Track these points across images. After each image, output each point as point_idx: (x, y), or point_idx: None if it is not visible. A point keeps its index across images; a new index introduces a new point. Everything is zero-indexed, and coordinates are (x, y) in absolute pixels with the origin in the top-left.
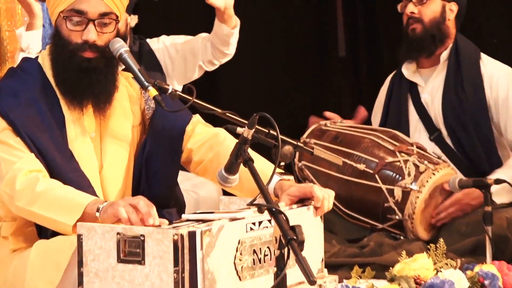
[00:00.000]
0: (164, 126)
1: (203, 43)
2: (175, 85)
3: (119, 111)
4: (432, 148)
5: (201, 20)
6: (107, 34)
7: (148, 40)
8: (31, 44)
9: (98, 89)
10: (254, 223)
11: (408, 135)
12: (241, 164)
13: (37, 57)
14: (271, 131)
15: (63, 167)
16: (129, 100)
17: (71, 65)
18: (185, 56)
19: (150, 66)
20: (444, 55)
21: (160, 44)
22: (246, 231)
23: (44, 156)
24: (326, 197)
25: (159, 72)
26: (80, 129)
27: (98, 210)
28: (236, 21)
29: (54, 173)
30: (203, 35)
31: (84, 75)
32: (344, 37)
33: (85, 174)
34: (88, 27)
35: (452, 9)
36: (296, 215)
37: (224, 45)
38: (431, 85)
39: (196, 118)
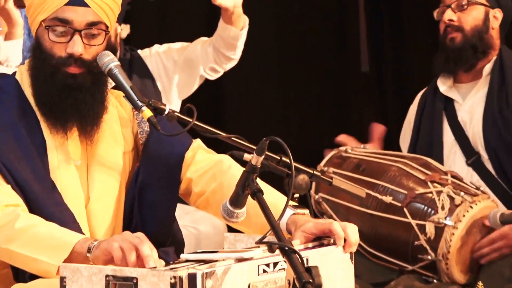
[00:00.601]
0: (160, 153)
1: (204, 48)
2: (174, 99)
3: (109, 135)
4: (469, 174)
5: (199, 27)
6: (95, 46)
7: (139, 51)
8: (11, 56)
9: (84, 110)
10: (268, 265)
11: (441, 158)
12: (249, 196)
13: (14, 73)
14: (284, 158)
15: (43, 201)
16: (119, 122)
17: (54, 82)
18: (184, 66)
19: (143, 81)
20: (487, 68)
21: (153, 55)
22: (258, 274)
23: (22, 187)
24: (350, 231)
25: (153, 88)
26: (63, 156)
27: (89, 249)
28: (244, 21)
29: (33, 207)
30: (203, 39)
31: (68, 94)
32: (367, 50)
33: (69, 208)
34: (74, 39)
35: (497, 17)
36: (318, 255)
37: (229, 49)
38: (470, 102)
39: (197, 143)
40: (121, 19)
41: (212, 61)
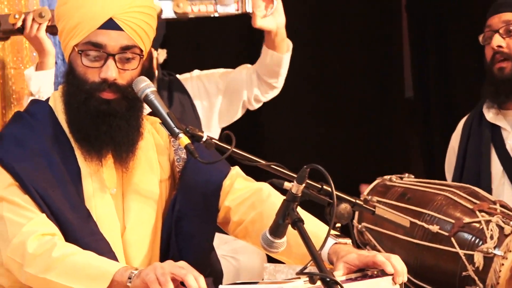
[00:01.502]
0: (197, 181)
1: (248, 76)
2: (214, 126)
3: (145, 162)
4: None
5: (238, 51)
6: (129, 71)
7: (179, 76)
8: (43, 87)
9: (119, 136)
10: None
11: (490, 189)
12: (289, 226)
13: (47, 99)
14: (325, 187)
15: (78, 230)
16: (155, 149)
17: (87, 109)
18: (226, 92)
19: (182, 107)
20: None
21: (194, 81)
22: None
23: (57, 216)
24: (394, 261)
25: (193, 114)
26: (98, 184)
27: (129, 278)
28: (288, 45)
29: (68, 237)
30: (247, 66)
31: (103, 120)
32: (411, 75)
33: (105, 237)
34: (107, 63)
35: None
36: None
37: (272, 76)
38: None
39: (235, 170)
40: (158, 44)
41: (256, 89)
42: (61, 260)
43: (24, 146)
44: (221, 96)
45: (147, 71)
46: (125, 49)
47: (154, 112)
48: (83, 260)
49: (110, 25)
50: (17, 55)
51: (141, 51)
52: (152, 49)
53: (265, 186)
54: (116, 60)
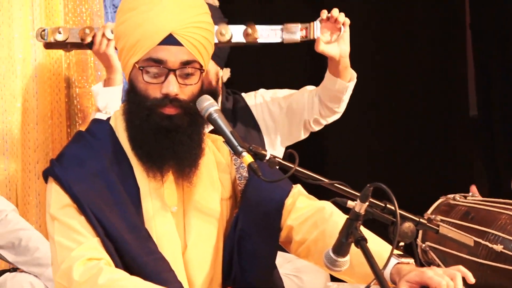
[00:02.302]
0: (260, 199)
1: (310, 98)
2: (278, 146)
3: (206, 180)
4: None
5: (299, 72)
6: (190, 86)
7: (243, 94)
8: (110, 103)
9: (181, 151)
10: None
11: None
12: (352, 244)
13: (109, 119)
14: (388, 205)
15: (136, 250)
16: (217, 167)
17: (149, 125)
18: (289, 113)
19: (246, 125)
20: None
21: (258, 100)
22: None
23: (113, 238)
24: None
25: (256, 133)
26: (159, 203)
27: None
28: (351, 74)
29: (125, 258)
30: (309, 88)
31: (165, 136)
32: (475, 94)
33: (165, 255)
34: (168, 78)
35: None
36: None
37: (334, 102)
38: None
39: (297, 188)
40: (224, 62)
41: (317, 112)
42: (107, 286)
43: (83, 166)
44: (283, 117)
45: (212, 89)
46: (185, 64)
47: (218, 131)
48: (130, 285)
49: (170, 40)
50: (82, 74)
51: (201, 66)
52: (218, 68)
53: (327, 205)
54: (177, 75)
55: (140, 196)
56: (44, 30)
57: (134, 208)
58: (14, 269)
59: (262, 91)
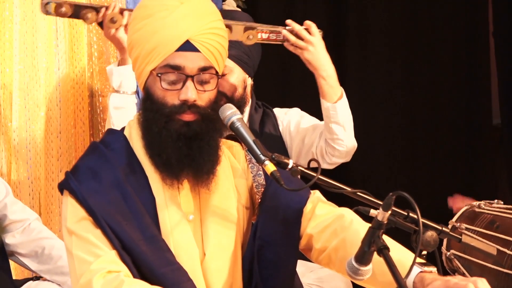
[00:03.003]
0: (278, 208)
1: (320, 131)
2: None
3: (222, 187)
4: None
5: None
6: (208, 92)
7: (276, 110)
8: (124, 81)
9: (200, 158)
10: None
11: None
12: (375, 253)
13: (123, 129)
14: (411, 214)
15: (154, 262)
16: (232, 174)
17: (168, 132)
18: (301, 141)
19: (272, 139)
20: None
21: (286, 117)
22: None
23: (130, 250)
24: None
25: (281, 147)
26: (175, 212)
27: None
28: (340, 92)
29: (142, 269)
30: (321, 125)
31: (184, 143)
32: (498, 102)
33: (183, 265)
34: (187, 85)
35: None
36: None
37: (332, 137)
38: None
39: (315, 196)
40: (254, 72)
41: (321, 148)
42: None
43: (98, 179)
44: (298, 143)
45: (239, 96)
46: (202, 70)
47: (240, 139)
48: None
49: (187, 47)
50: (105, 83)
51: (217, 72)
52: (246, 75)
53: (346, 212)
54: (194, 82)
55: (156, 207)
56: (48, 3)
57: (151, 219)
58: (37, 278)
59: (295, 110)
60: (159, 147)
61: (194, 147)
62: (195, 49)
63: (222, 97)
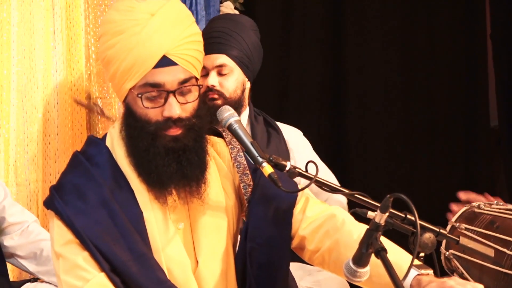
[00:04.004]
0: (268, 210)
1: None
2: None
3: (211, 190)
4: None
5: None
6: (190, 103)
7: (281, 126)
8: None
9: (190, 172)
10: None
11: None
12: (372, 255)
13: (104, 138)
14: (409, 216)
15: (144, 282)
16: (219, 174)
17: (156, 148)
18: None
19: (279, 148)
20: None
21: (291, 138)
22: None
23: (120, 272)
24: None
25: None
26: (164, 224)
27: None
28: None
29: None
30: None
31: (173, 158)
32: (496, 104)
33: (176, 278)
34: (169, 101)
35: None
36: None
37: None
38: None
39: (304, 196)
40: (253, 76)
41: None
42: None
43: (84, 198)
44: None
45: (237, 97)
46: (183, 83)
47: (238, 141)
48: None
49: (164, 62)
50: (102, 85)
51: (197, 79)
52: (245, 78)
53: (337, 211)
54: (176, 96)
55: (144, 221)
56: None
57: (139, 235)
58: (35, 279)
59: (300, 135)
60: (148, 165)
61: (183, 160)
62: (173, 63)
63: (206, 103)
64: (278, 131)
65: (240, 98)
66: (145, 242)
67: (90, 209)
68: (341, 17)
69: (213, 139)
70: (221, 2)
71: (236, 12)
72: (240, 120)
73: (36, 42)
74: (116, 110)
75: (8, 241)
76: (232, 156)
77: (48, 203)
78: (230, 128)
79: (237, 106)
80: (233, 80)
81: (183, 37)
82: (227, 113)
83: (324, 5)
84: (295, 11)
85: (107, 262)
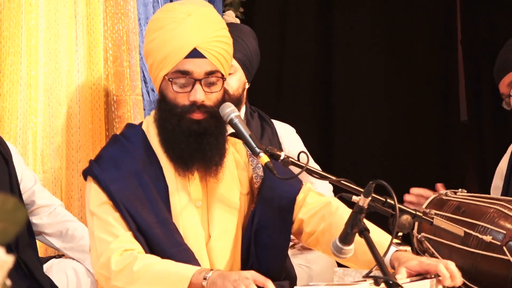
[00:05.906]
0: (274, 196)
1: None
2: None
3: (227, 177)
4: None
5: (313, 90)
6: (215, 93)
7: (274, 122)
8: None
9: (209, 151)
10: None
11: None
12: (357, 234)
13: (141, 124)
14: (388, 200)
15: (165, 243)
16: (236, 166)
17: (181, 129)
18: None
19: (271, 142)
20: None
21: (284, 133)
22: None
23: (145, 231)
24: (454, 273)
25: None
26: (185, 199)
27: (205, 278)
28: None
29: (155, 250)
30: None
31: (194, 139)
32: (466, 99)
33: (190, 246)
34: (195, 87)
35: None
36: None
37: None
38: None
39: (307, 186)
40: (251, 78)
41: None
42: (142, 272)
43: (119, 167)
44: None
45: (238, 96)
46: (209, 74)
47: (238, 133)
48: (162, 268)
49: (195, 54)
50: (119, 84)
51: (222, 75)
52: (246, 79)
53: (333, 200)
54: (202, 84)
55: (169, 194)
56: None
57: (164, 204)
58: (59, 256)
59: (293, 133)
60: (173, 142)
61: (204, 142)
62: (201, 56)
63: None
64: (271, 126)
65: (240, 96)
66: (167, 212)
67: (123, 177)
68: (331, 29)
69: (233, 139)
70: (224, 11)
71: (237, 20)
72: (240, 115)
73: (61, 46)
74: (131, 106)
75: (37, 220)
76: (248, 153)
77: (87, 171)
78: (231, 122)
79: (237, 103)
80: (236, 79)
81: (213, 36)
82: (228, 109)
83: (316, 14)
84: (290, 22)
85: (134, 223)
